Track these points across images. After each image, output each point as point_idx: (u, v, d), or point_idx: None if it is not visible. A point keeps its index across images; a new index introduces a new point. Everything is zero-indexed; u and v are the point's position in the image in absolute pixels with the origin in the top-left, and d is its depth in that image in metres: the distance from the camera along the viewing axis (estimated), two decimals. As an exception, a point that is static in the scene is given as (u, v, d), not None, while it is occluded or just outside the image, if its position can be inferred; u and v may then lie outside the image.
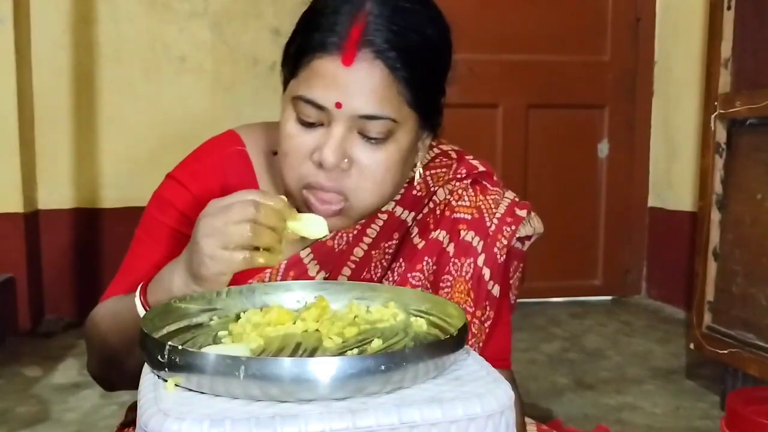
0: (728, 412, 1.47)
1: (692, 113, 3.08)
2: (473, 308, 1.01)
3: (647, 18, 3.36)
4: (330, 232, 0.95)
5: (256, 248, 0.82)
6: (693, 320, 2.17)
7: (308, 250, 1.01)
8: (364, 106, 0.89)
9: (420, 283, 1.02)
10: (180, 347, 0.68)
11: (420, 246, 1.03)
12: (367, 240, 1.02)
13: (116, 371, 0.99)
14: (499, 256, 1.02)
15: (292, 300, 0.91)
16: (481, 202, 1.05)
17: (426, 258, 1.02)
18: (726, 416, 1.47)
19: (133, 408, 1.11)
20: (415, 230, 1.04)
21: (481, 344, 1.02)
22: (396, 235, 1.04)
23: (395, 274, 1.02)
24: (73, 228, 3.03)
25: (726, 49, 2.09)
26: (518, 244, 1.06)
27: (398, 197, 1.04)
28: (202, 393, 0.67)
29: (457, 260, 1.02)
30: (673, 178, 3.28)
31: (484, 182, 1.07)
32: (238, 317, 0.86)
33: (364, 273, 1.02)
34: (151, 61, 3.04)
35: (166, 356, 0.68)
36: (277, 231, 0.83)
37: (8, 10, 2.74)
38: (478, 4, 3.19)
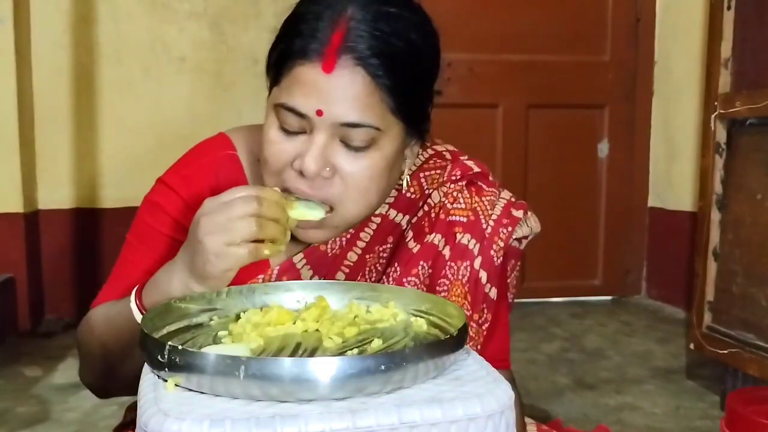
0: (728, 412, 1.47)
1: (692, 113, 3.08)
2: (470, 311, 1.00)
3: (647, 18, 3.36)
4: (312, 243, 0.95)
5: (259, 241, 0.81)
6: (693, 320, 2.17)
7: (301, 255, 1.00)
8: (346, 114, 0.87)
9: (416, 288, 1.01)
10: (180, 347, 0.68)
11: (415, 250, 1.01)
12: (360, 244, 1.01)
13: (111, 377, 0.98)
14: (495, 259, 1.02)
15: (292, 300, 0.91)
16: (476, 204, 1.03)
17: (421, 262, 1.01)
18: (726, 416, 1.47)
19: (132, 408, 1.10)
20: (410, 234, 1.02)
21: (478, 347, 1.01)
22: (390, 239, 1.03)
23: (390, 278, 1.01)
24: (72, 228, 3.03)
25: (726, 49, 2.09)
26: (515, 243, 1.05)
27: (391, 200, 1.03)
28: (202, 393, 0.67)
29: (453, 264, 1.01)
30: (673, 178, 3.28)
31: (479, 183, 1.06)
32: (238, 317, 0.86)
33: (359, 278, 1.01)
34: (151, 61, 3.04)
35: (166, 356, 0.68)
36: (281, 222, 0.84)
37: (8, 10, 2.74)
38: (478, 4, 3.19)
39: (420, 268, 1.01)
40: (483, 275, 1.01)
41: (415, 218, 1.03)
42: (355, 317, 0.85)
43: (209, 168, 1.02)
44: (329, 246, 1.01)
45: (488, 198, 1.04)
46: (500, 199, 1.05)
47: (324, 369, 0.64)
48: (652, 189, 3.43)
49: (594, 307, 3.31)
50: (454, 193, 1.04)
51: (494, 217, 1.03)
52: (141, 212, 1.03)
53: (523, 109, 3.29)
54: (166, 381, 0.69)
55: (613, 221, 3.43)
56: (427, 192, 1.04)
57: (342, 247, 1.01)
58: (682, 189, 3.19)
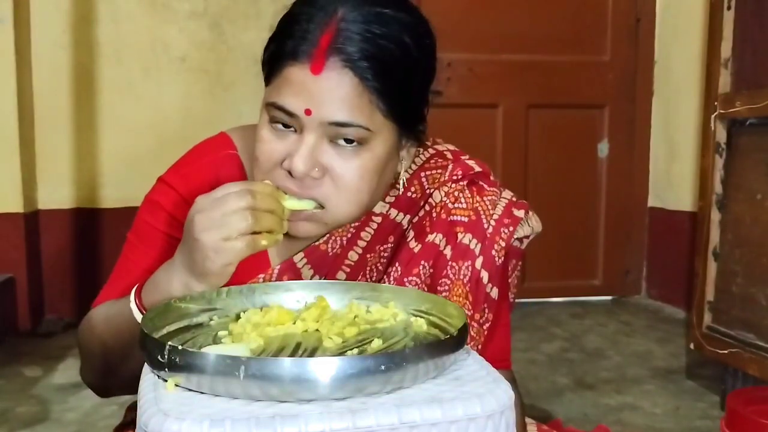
0: (728, 412, 1.47)
1: (692, 113, 3.08)
2: (471, 311, 1.00)
3: (647, 18, 3.36)
4: (302, 237, 0.94)
5: (256, 233, 0.82)
6: (693, 320, 2.17)
7: (301, 254, 1.00)
8: (334, 114, 0.87)
9: (417, 288, 1.00)
10: (180, 347, 0.68)
11: (416, 250, 1.01)
12: (361, 243, 1.01)
13: (112, 377, 0.98)
14: (497, 259, 1.01)
15: (292, 300, 0.91)
16: (477, 204, 1.03)
17: (422, 262, 1.00)
18: (726, 416, 1.47)
19: (132, 408, 1.10)
20: (411, 234, 1.02)
21: (479, 347, 1.01)
22: (391, 239, 1.02)
23: (391, 278, 1.00)
24: (72, 228, 3.03)
25: (726, 49, 2.09)
26: (516, 242, 1.05)
27: (392, 200, 1.03)
28: (202, 393, 0.67)
29: (454, 263, 1.01)
30: (673, 178, 3.28)
31: (480, 183, 1.06)
32: (238, 317, 0.86)
33: (359, 277, 1.01)
34: (151, 61, 3.04)
35: (166, 356, 0.68)
36: (276, 212, 0.84)
37: (8, 10, 2.74)
38: (478, 4, 3.19)
39: (421, 267, 1.00)
40: (484, 275, 1.01)
41: (416, 218, 1.03)
42: (355, 317, 0.85)
43: (209, 167, 1.02)
44: (330, 245, 1.00)
45: (489, 198, 1.04)
46: (501, 199, 1.05)
47: (324, 369, 0.64)
48: (652, 189, 3.44)
49: (594, 307, 3.31)
50: (456, 193, 1.04)
51: (495, 216, 1.03)
52: (141, 211, 1.03)
53: (523, 109, 3.29)
54: (166, 381, 0.69)
55: (613, 221, 3.43)
56: (428, 191, 1.04)
57: (343, 246, 1.01)
58: (682, 189, 3.19)
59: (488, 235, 1.02)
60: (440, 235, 1.02)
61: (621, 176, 3.42)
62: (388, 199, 1.02)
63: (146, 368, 0.73)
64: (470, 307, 1.00)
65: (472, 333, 1.00)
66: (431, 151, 1.07)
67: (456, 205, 1.03)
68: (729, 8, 2.08)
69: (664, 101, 3.34)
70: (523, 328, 2.89)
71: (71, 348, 2.63)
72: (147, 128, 3.05)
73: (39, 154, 2.97)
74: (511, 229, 1.02)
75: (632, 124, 3.41)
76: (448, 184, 1.04)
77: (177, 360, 0.67)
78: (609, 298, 3.45)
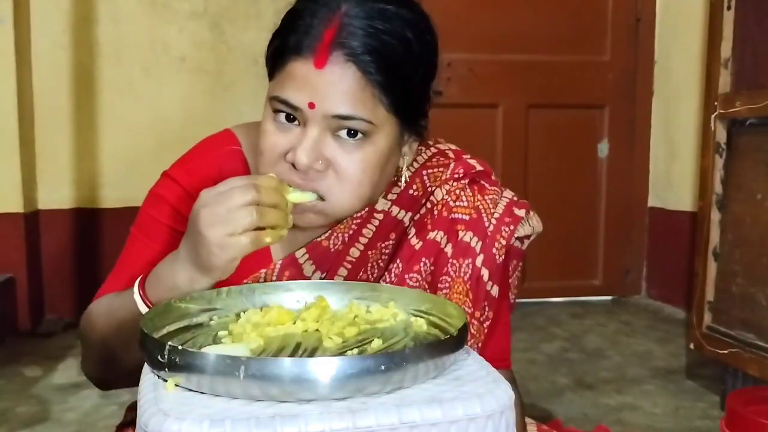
0: (728, 412, 1.47)
1: (692, 113, 3.08)
2: (472, 309, 1.01)
3: (647, 18, 3.36)
4: (306, 227, 0.95)
5: (261, 228, 0.82)
6: (693, 320, 2.17)
7: (303, 250, 1.01)
8: (337, 107, 0.88)
9: (417, 284, 1.01)
10: (180, 347, 0.68)
11: (417, 247, 1.02)
12: (363, 240, 1.02)
13: (113, 370, 0.98)
14: (497, 257, 1.02)
15: (292, 300, 0.91)
16: (479, 202, 1.04)
17: (423, 259, 1.01)
18: (726, 416, 1.47)
19: (132, 408, 1.11)
20: (413, 231, 1.03)
21: (480, 345, 1.02)
22: (393, 236, 1.03)
23: (392, 274, 1.01)
24: (72, 228, 3.03)
25: (726, 49, 2.09)
26: (517, 243, 1.05)
27: (394, 197, 1.03)
28: (202, 393, 0.67)
29: (455, 261, 1.01)
30: (673, 178, 3.28)
31: (482, 182, 1.07)
32: (238, 317, 0.86)
33: (361, 273, 1.02)
34: (151, 61, 3.04)
35: (166, 356, 0.68)
36: (280, 206, 0.84)
37: (8, 10, 2.74)
38: (478, 4, 3.19)
39: (422, 264, 1.01)
40: (485, 273, 1.01)
41: (418, 215, 1.04)
42: (355, 317, 0.85)
43: (213, 162, 1.03)
44: (332, 241, 1.01)
45: (491, 197, 1.05)
46: (503, 198, 1.05)
47: (324, 369, 0.64)
48: (652, 189, 3.43)
49: (594, 307, 3.31)
50: (457, 191, 1.04)
51: (496, 215, 1.03)
52: (145, 205, 1.04)
53: (523, 109, 3.29)
54: (166, 381, 0.69)
55: (613, 221, 3.43)
56: (429, 189, 1.05)
57: (345, 242, 1.01)
58: (682, 189, 3.19)
59: (489, 234, 1.02)
60: (441, 233, 1.02)
61: (621, 176, 3.42)
62: (390, 196, 1.03)
63: (146, 368, 0.73)
64: (470, 305, 1.01)
65: (472, 331, 1.01)
66: (433, 150, 1.08)
67: (457, 203, 1.04)
68: (729, 8, 2.08)
69: (664, 101, 3.34)
70: (523, 328, 2.89)
71: (71, 348, 2.63)
72: (147, 128, 3.05)
73: (39, 154, 2.97)
74: (511, 227, 1.03)
75: (632, 124, 3.41)
76: (450, 183, 1.05)
77: (177, 360, 0.67)
78: (609, 298, 3.45)
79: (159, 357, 0.68)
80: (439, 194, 1.04)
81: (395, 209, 1.03)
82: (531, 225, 1.05)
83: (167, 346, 0.68)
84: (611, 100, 3.37)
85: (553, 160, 3.34)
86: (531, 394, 2.20)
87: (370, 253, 1.02)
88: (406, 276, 1.01)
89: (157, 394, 0.67)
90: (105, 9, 2.99)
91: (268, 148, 0.93)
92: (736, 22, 2.07)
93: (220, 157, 1.04)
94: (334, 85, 0.88)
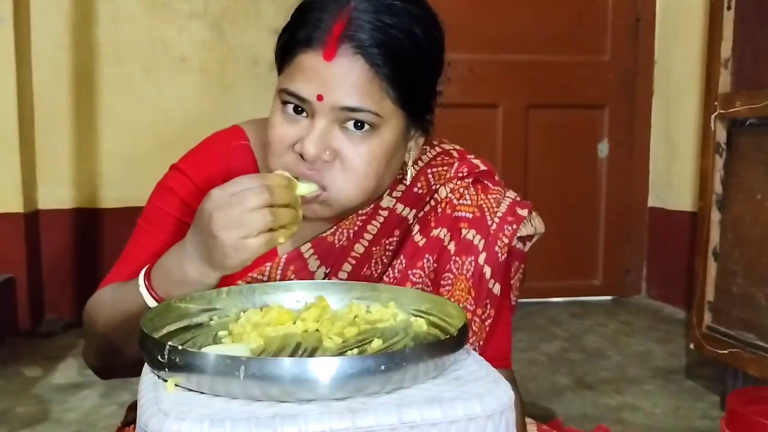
0: (728, 412, 1.47)
1: (692, 113, 3.08)
2: (474, 306, 1.02)
3: (647, 18, 3.36)
4: (311, 219, 0.96)
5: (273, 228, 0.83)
6: (693, 320, 2.17)
7: (309, 245, 1.02)
8: (345, 99, 0.90)
9: (420, 281, 1.02)
10: (180, 347, 0.68)
11: (421, 243, 1.03)
12: (367, 236, 1.03)
13: (115, 359, 0.99)
14: (500, 255, 1.03)
15: (292, 300, 0.91)
16: (482, 201, 1.05)
17: (427, 255, 1.02)
18: (726, 416, 1.48)
19: (133, 407, 1.11)
20: (417, 227, 1.04)
21: (481, 342, 1.02)
22: (397, 232, 1.04)
23: (396, 270, 1.02)
24: (73, 228, 3.03)
25: (726, 49, 2.09)
26: (519, 245, 1.06)
27: (399, 194, 1.04)
28: (202, 393, 0.67)
29: (458, 258, 1.02)
30: (673, 178, 3.28)
31: (485, 181, 1.08)
32: (238, 317, 0.86)
33: (365, 269, 1.03)
34: (151, 61, 3.04)
35: (166, 356, 0.68)
36: (291, 205, 0.86)
37: (8, 10, 2.74)
38: (478, 4, 3.19)
39: (425, 261, 1.02)
40: (487, 270, 1.02)
41: (422, 212, 1.05)
42: (355, 317, 0.85)
43: (222, 156, 1.05)
44: (337, 237, 1.02)
45: (494, 196, 1.06)
46: (506, 198, 1.07)
47: (324, 369, 0.64)
48: (652, 189, 3.43)
49: (594, 307, 3.31)
50: (461, 190, 1.06)
51: (499, 214, 1.05)
52: (153, 197, 1.05)
53: (523, 109, 3.29)
54: (166, 381, 0.69)
55: (613, 221, 3.43)
56: (434, 187, 1.06)
57: (349, 238, 1.02)
58: (682, 189, 3.19)
59: (492, 232, 1.03)
60: (445, 230, 1.04)
61: (621, 176, 3.42)
62: (395, 193, 1.04)
63: (146, 368, 0.73)
64: (473, 302, 1.02)
65: (474, 328, 1.02)
66: (438, 149, 1.10)
67: (461, 201, 1.05)
68: (729, 8, 2.08)
69: (664, 101, 3.34)
70: (523, 328, 2.89)
71: (71, 348, 2.63)
72: (147, 128, 3.04)
73: (39, 154, 2.97)
74: (514, 227, 1.04)
75: (632, 124, 3.41)
76: (454, 181, 1.06)
77: (177, 360, 0.67)
78: (609, 298, 3.45)
79: (159, 357, 0.68)
80: (443, 192, 1.06)
81: (400, 206, 1.04)
82: (533, 225, 1.07)
83: (167, 346, 0.68)
84: (611, 100, 3.37)
85: (553, 160, 3.34)
86: (531, 394, 2.20)
87: (374, 249, 1.03)
88: (410, 272, 1.02)
89: (157, 394, 0.67)
90: (105, 9, 2.99)
91: (276, 140, 0.94)
92: (736, 22, 2.07)
93: (228, 152, 1.05)
94: (342, 77, 0.89)
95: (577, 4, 3.31)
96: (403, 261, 1.03)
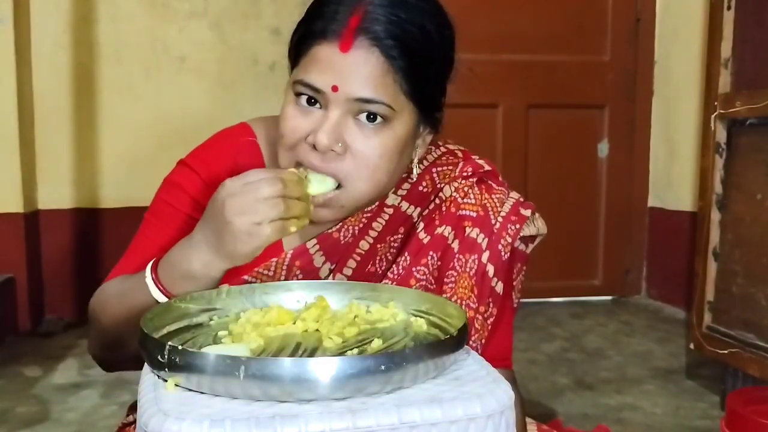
0: (728, 412, 1.47)
1: (692, 113, 3.08)
2: (477, 304, 1.02)
3: (647, 18, 3.36)
4: (318, 222, 0.96)
5: (285, 219, 0.85)
6: (693, 320, 2.17)
7: (314, 241, 1.03)
8: (360, 90, 0.91)
9: (424, 278, 1.03)
10: (180, 347, 0.68)
11: (425, 241, 1.04)
12: (372, 233, 1.04)
13: (120, 352, 0.99)
14: (503, 254, 1.04)
15: (292, 300, 0.91)
16: (486, 201, 1.06)
17: (431, 253, 1.03)
18: (726, 416, 1.48)
19: (134, 407, 1.11)
20: (421, 225, 1.05)
21: (483, 341, 1.03)
22: (401, 230, 1.05)
23: (400, 267, 1.03)
24: (73, 228, 3.03)
25: (726, 49, 2.09)
26: (522, 246, 1.07)
27: (404, 193, 1.05)
28: (202, 393, 0.67)
29: (461, 256, 1.03)
30: (673, 178, 3.28)
31: (489, 182, 1.09)
32: (238, 317, 0.86)
33: (369, 266, 1.04)
34: (151, 61, 3.04)
35: (166, 356, 0.68)
36: (303, 198, 0.87)
37: (8, 10, 2.74)
38: (478, 4, 3.19)
39: (429, 258, 1.03)
40: (490, 269, 1.03)
41: (426, 210, 1.06)
42: (355, 317, 0.85)
43: (229, 152, 1.05)
44: (342, 234, 1.03)
45: (497, 196, 1.07)
46: (509, 198, 1.08)
47: (324, 369, 0.64)
48: (652, 189, 3.43)
49: (594, 307, 3.31)
50: (465, 189, 1.07)
51: (503, 213, 1.06)
52: (160, 192, 1.06)
53: (523, 109, 3.29)
54: (166, 381, 0.69)
55: (613, 221, 3.43)
56: (439, 186, 1.08)
57: (354, 235, 1.03)
58: (682, 189, 3.19)
59: (495, 231, 1.04)
60: (449, 228, 1.05)
61: (621, 176, 3.41)
62: (400, 192, 1.06)
63: (146, 368, 0.73)
64: (475, 300, 1.02)
65: (476, 326, 1.02)
66: (443, 149, 1.12)
67: (465, 200, 1.06)
68: (729, 8, 2.07)
69: (664, 101, 3.34)
70: (523, 328, 2.89)
71: (71, 348, 2.63)
72: (147, 128, 3.04)
73: (39, 154, 2.96)
74: (517, 226, 1.05)
75: (632, 124, 3.41)
76: (458, 180, 1.08)
77: (177, 360, 0.67)
78: (609, 298, 3.45)
79: (159, 357, 0.68)
80: (447, 191, 1.07)
81: (405, 204, 1.06)
82: (536, 226, 1.08)
83: (167, 346, 0.68)
84: (611, 100, 3.37)
85: (553, 160, 3.34)
86: (531, 394, 2.20)
87: (379, 246, 1.04)
88: (414, 269, 1.03)
89: (157, 394, 0.67)
90: (105, 9, 2.99)
91: (288, 131, 0.95)
92: (736, 22, 2.07)
93: (235, 148, 1.06)
94: (357, 68, 0.91)
95: (577, 4, 3.30)
96: (408, 258, 1.03)
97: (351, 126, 0.93)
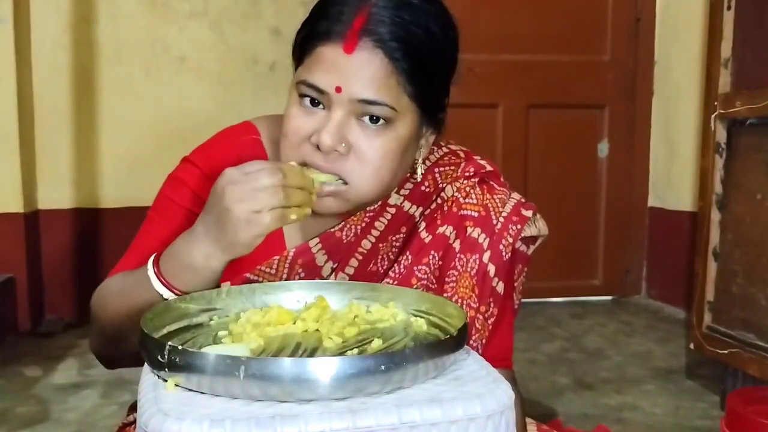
0: (728, 412, 1.47)
1: (692, 113, 3.08)
2: (477, 304, 1.03)
3: (647, 18, 3.36)
4: (324, 213, 0.97)
5: (286, 207, 0.85)
6: (693, 320, 2.17)
7: (317, 239, 1.03)
8: (363, 91, 0.91)
9: (426, 277, 1.03)
10: (180, 347, 0.68)
11: (427, 240, 1.04)
12: (375, 233, 1.04)
13: (122, 347, 0.99)
14: (504, 254, 1.04)
15: (292, 300, 0.91)
16: (488, 201, 1.07)
17: (432, 252, 1.04)
18: (726, 416, 1.48)
19: (135, 407, 1.11)
20: (423, 224, 1.06)
21: (484, 341, 1.03)
22: (404, 229, 1.06)
23: (401, 266, 1.03)
24: (73, 228, 3.03)
25: (726, 49, 2.09)
26: (523, 247, 1.08)
27: (407, 192, 1.06)
28: (202, 393, 0.67)
29: (462, 256, 1.04)
30: (673, 178, 3.28)
31: (491, 182, 1.10)
32: (238, 317, 0.86)
33: (371, 265, 1.04)
34: (151, 61, 3.04)
35: (166, 356, 0.68)
36: (306, 187, 0.87)
37: (8, 10, 2.74)
38: (478, 4, 3.19)
39: (431, 257, 1.04)
40: (491, 268, 1.04)
41: (428, 210, 1.07)
42: (355, 317, 0.85)
43: (233, 150, 1.06)
44: (345, 233, 1.03)
45: (499, 196, 1.08)
46: (511, 199, 1.09)
47: (324, 369, 0.64)
48: (652, 189, 3.43)
49: (594, 307, 3.31)
50: (467, 189, 1.08)
51: (504, 214, 1.06)
52: (163, 188, 1.07)
53: (523, 109, 3.29)
54: (166, 381, 0.69)
55: (613, 221, 3.43)
56: (441, 186, 1.08)
57: (357, 234, 1.04)
58: (682, 189, 3.19)
59: (497, 231, 1.05)
60: (450, 228, 1.05)
61: (621, 176, 3.41)
62: (402, 191, 1.06)
63: (146, 368, 0.73)
64: (476, 300, 1.03)
65: (477, 326, 1.02)
66: (445, 149, 1.12)
67: (467, 200, 1.07)
68: (729, 8, 2.07)
69: (664, 101, 3.34)
70: (523, 328, 2.89)
71: (71, 348, 2.63)
72: (147, 128, 3.04)
73: (39, 154, 2.96)
74: (519, 226, 1.05)
75: (632, 124, 3.41)
76: (460, 180, 1.08)
77: (177, 360, 0.67)
78: (609, 298, 3.45)
79: (159, 357, 0.68)
80: (449, 191, 1.08)
81: (407, 204, 1.06)
82: (537, 227, 1.08)
83: (167, 346, 0.68)
84: (611, 100, 3.37)
85: (553, 160, 3.34)
86: (531, 394, 2.20)
87: (381, 245, 1.04)
88: (415, 268, 1.03)
89: (157, 394, 0.67)
90: (105, 9, 2.99)
91: (291, 131, 0.96)
92: (736, 22, 2.07)
93: (239, 146, 1.06)
94: (361, 70, 0.91)
95: (577, 4, 3.30)
96: (409, 257, 1.04)
97: (354, 127, 0.94)
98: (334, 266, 1.03)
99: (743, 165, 2.03)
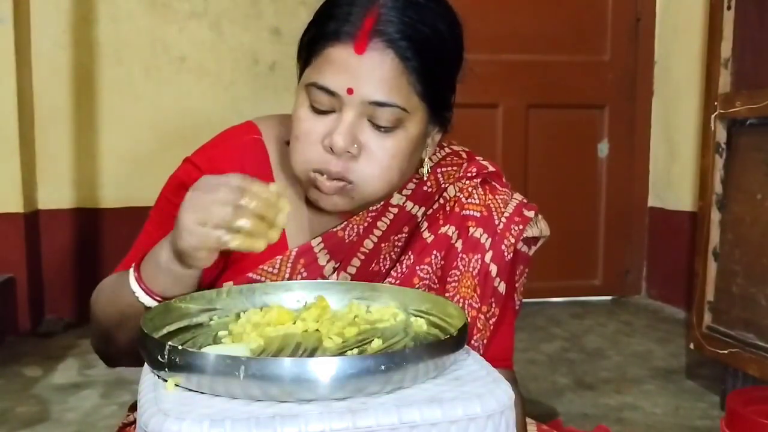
0: (728, 412, 1.47)
1: (692, 113, 3.08)
2: (479, 304, 1.03)
3: (647, 18, 3.36)
4: (332, 211, 0.97)
5: (238, 231, 0.80)
6: (693, 320, 2.17)
7: (319, 239, 1.03)
8: (375, 93, 0.91)
9: (428, 277, 1.03)
10: (180, 347, 0.68)
11: (429, 240, 1.05)
12: (377, 232, 1.04)
13: (112, 345, 1.00)
14: (506, 254, 1.04)
15: (292, 300, 0.91)
16: (490, 201, 1.07)
17: (434, 252, 1.04)
18: (726, 416, 1.48)
19: (135, 407, 1.11)
20: (425, 225, 1.06)
21: (485, 341, 1.03)
22: (406, 229, 1.06)
23: (404, 266, 1.04)
24: (73, 228, 3.03)
25: (726, 49, 2.09)
26: (525, 248, 1.08)
27: (409, 192, 1.06)
28: (202, 393, 0.67)
29: (464, 256, 1.04)
30: (673, 178, 3.28)
31: (493, 182, 1.10)
32: (238, 317, 0.86)
33: (373, 265, 1.04)
34: (151, 61, 3.04)
35: (166, 356, 0.68)
36: (267, 219, 0.81)
37: (8, 10, 2.74)
38: (478, 4, 3.18)
39: (433, 257, 1.04)
40: (493, 269, 1.04)
41: (431, 210, 1.07)
42: (355, 317, 0.85)
43: (234, 150, 1.05)
44: (347, 232, 1.03)
45: (501, 197, 1.08)
46: (513, 199, 1.09)
47: (324, 369, 0.64)
48: (652, 189, 3.43)
49: (594, 307, 3.31)
50: (469, 189, 1.08)
51: (506, 214, 1.06)
52: (164, 188, 1.07)
53: (523, 109, 3.29)
54: (166, 381, 0.69)
55: (613, 221, 3.43)
56: (443, 186, 1.08)
57: (359, 234, 1.04)
58: (682, 189, 3.19)
59: (498, 231, 1.05)
60: (452, 228, 1.05)
61: (621, 176, 3.42)
62: (405, 191, 1.06)
63: (146, 368, 0.73)
64: (478, 300, 1.03)
65: (478, 325, 1.02)
66: (447, 150, 1.13)
67: (469, 200, 1.07)
68: (729, 8, 2.07)
69: (664, 101, 3.34)
70: (523, 328, 2.89)
71: (71, 348, 2.63)
72: (147, 128, 3.04)
73: (39, 154, 2.96)
74: (521, 227, 1.06)
75: (632, 124, 3.41)
76: (463, 181, 1.08)
77: (177, 360, 0.67)
78: (609, 298, 3.45)
79: (159, 357, 0.68)
80: (451, 191, 1.08)
81: (409, 204, 1.06)
82: (539, 228, 1.08)
83: (167, 346, 0.68)
84: (611, 100, 3.37)
85: (553, 160, 3.34)
86: (531, 394, 2.20)
87: (383, 245, 1.04)
88: (417, 268, 1.03)
89: (157, 394, 0.67)
90: (105, 9, 2.99)
91: (303, 134, 0.95)
92: (736, 22, 2.07)
93: (241, 146, 1.06)
94: (372, 71, 0.91)
95: (577, 4, 3.30)
96: (411, 257, 1.04)
97: (365, 128, 0.93)
98: (336, 266, 1.03)
99: (743, 165, 2.03)
